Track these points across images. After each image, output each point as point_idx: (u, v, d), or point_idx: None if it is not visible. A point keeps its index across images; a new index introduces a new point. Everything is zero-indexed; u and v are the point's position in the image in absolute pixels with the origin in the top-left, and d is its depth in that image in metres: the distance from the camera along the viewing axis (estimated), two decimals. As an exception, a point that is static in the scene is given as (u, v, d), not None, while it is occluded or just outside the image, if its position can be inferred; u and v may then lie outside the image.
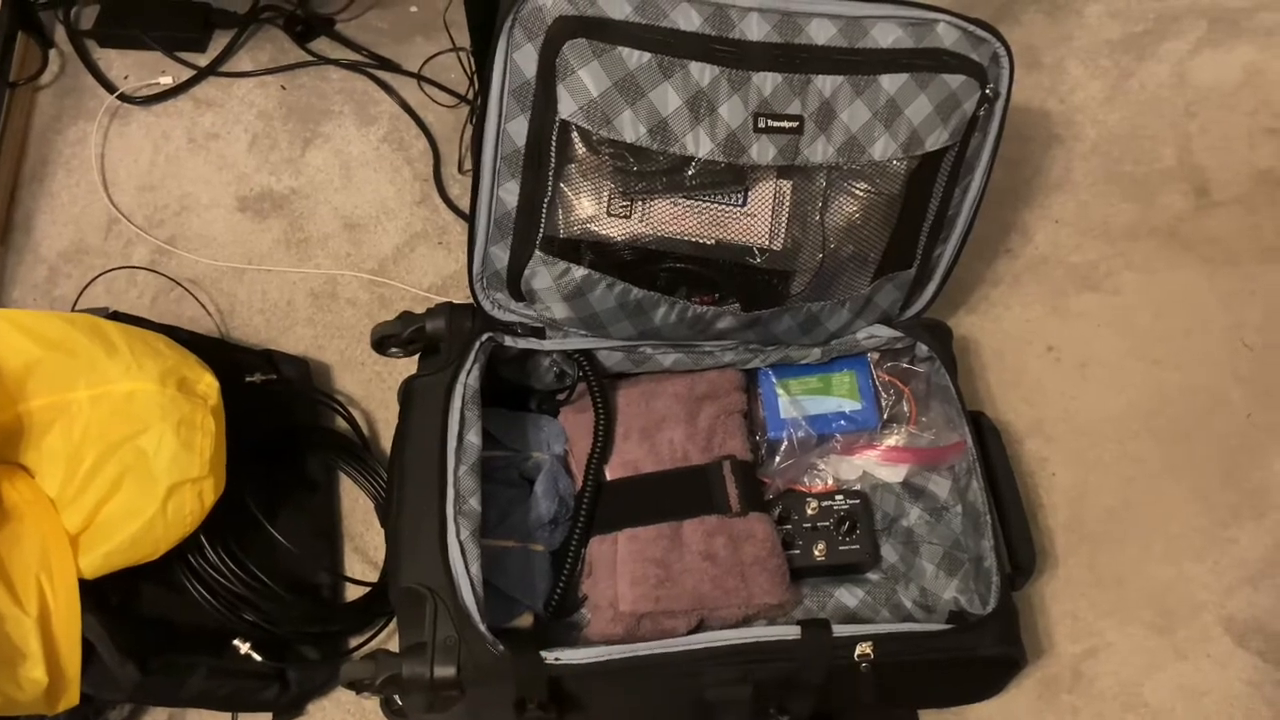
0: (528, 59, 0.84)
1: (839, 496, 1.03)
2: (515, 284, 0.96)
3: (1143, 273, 1.25)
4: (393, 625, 1.03)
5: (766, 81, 0.86)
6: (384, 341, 1.02)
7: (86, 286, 1.17)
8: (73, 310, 1.01)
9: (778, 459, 1.05)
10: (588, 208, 0.90)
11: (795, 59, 0.86)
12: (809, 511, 1.03)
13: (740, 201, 0.92)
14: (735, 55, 0.85)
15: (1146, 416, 1.18)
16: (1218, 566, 1.10)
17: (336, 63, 1.34)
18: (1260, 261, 1.26)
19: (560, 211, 0.91)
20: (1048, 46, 1.39)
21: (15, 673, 0.80)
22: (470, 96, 1.32)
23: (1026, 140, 1.33)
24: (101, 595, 0.86)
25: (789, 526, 1.02)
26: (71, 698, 0.83)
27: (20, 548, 0.83)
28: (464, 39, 1.30)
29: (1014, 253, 1.26)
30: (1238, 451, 1.16)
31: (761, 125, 0.87)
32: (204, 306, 1.19)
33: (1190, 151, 1.32)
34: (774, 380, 1.07)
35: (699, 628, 0.95)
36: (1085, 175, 1.31)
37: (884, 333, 1.06)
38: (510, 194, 0.91)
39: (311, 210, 1.26)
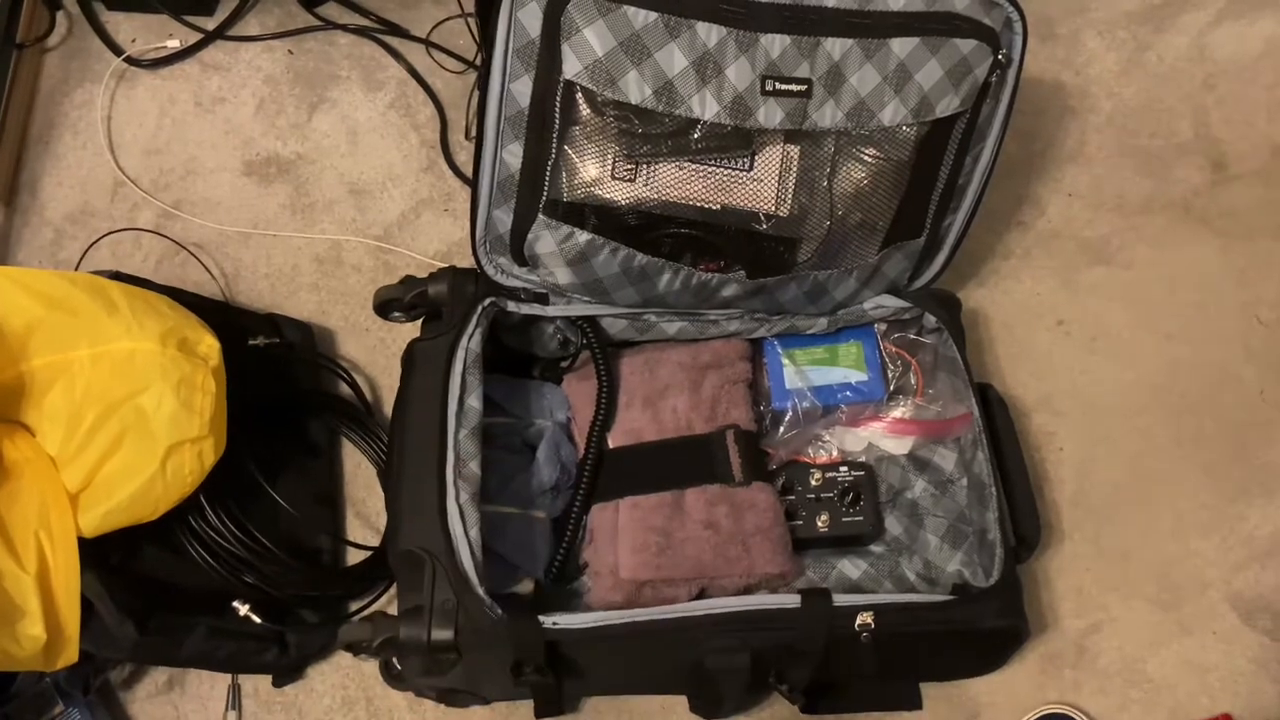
0: (532, 17, 0.83)
1: (843, 468, 1.03)
2: (518, 248, 0.95)
3: (1156, 247, 1.24)
4: (393, 590, 1.03)
5: (775, 43, 0.85)
6: (387, 305, 1.01)
7: (89, 248, 1.16)
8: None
9: (782, 429, 1.04)
10: (592, 170, 0.89)
11: (804, 20, 0.85)
12: (813, 482, 1.02)
13: (747, 166, 0.91)
14: (743, 15, 0.83)
15: (1156, 392, 1.16)
16: (1225, 543, 1.09)
17: (344, 28, 1.33)
18: (1276, 236, 1.24)
19: (564, 174, 0.90)
20: (1063, 17, 1.37)
21: (14, 629, 0.80)
22: (478, 62, 1.31)
23: (1040, 112, 1.31)
24: (101, 554, 0.86)
25: (792, 497, 1.01)
26: (70, 655, 0.83)
27: (20, 505, 0.83)
28: (472, 4, 1.29)
29: (1026, 225, 1.25)
30: (1248, 428, 1.14)
31: (769, 88, 0.86)
32: (208, 270, 1.18)
33: (1208, 125, 1.30)
34: (779, 350, 1.06)
35: (700, 596, 0.95)
36: (1100, 148, 1.29)
37: (892, 303, 1.05)
38: (514, 156, 0.89)
39: (317, 175, 1.25)
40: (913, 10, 0.87)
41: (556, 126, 0.87)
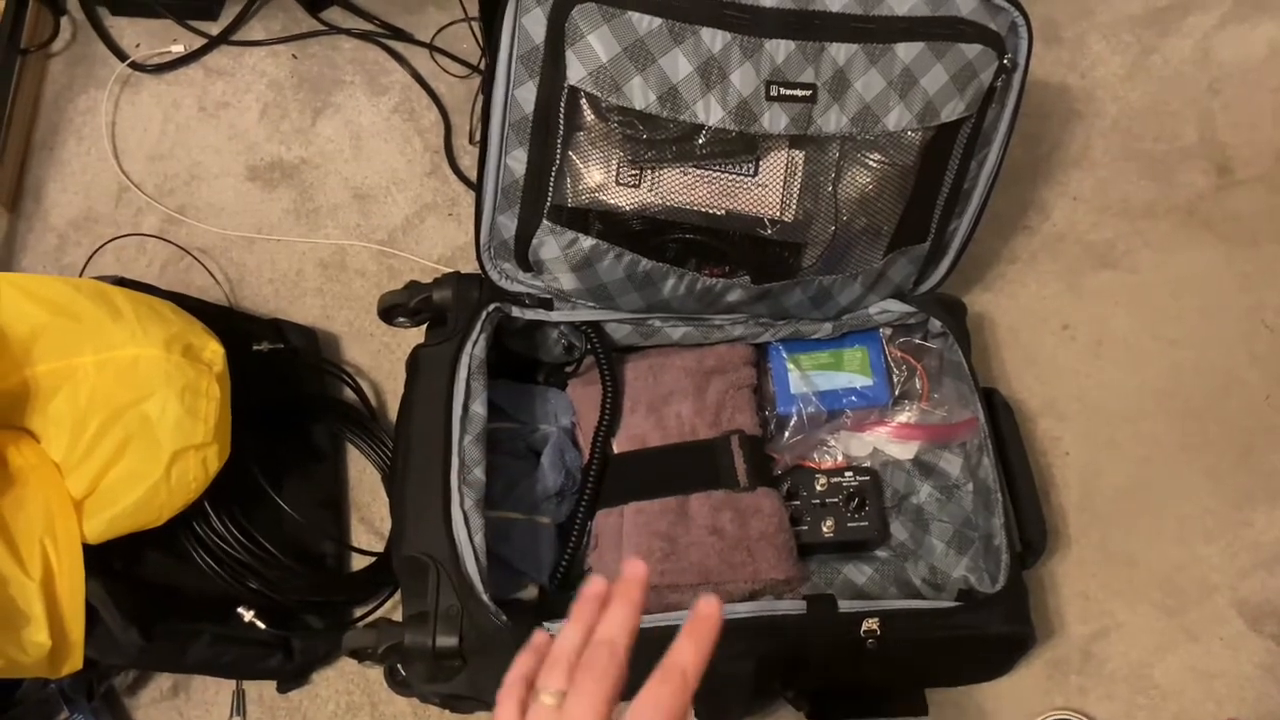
0: (536, 23, 0.83)
1: (849, 473, 1.03)
2: (523, 254, 0.95)
3: (1161, 251, 1.23)
4: (397, 596, 1.03)
5: (779, 49, 0.85)
6: (391, 311, 1.01)
7: (94, 253, 1.16)
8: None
9: (787, 434, 1.04)
10: (596, 176, 0.89)
11: (809, 26, 0.85)
12: (818, 488, 1.02)
13: (751, 171, 0.91)
14: (748, 21, 0.83)
15: (1162, 397, 1.16)
16: (1231, 549, 1.09)
17: (348, 32, 1.33)
18: (1282, 241, 1.24)
19: (569, 180, 0.89)
20: (1068, 21, 1.37)
21: (19, 636, 0.80)
22: (482, 66, 1.31)
23: (1046, 116, 1.31)
24: (106, 560, 0.86)
25: (797, 502, 1.01)
26: (75, 662, 0.83)
27: (25, 512, 0.83)
28: (476, 9, 1.29)
29: (1031, 229, 1.25)
30: (1254, 433, 1.14)
31: (774, 93, 0.85)
32: (213, 275, 1.18)
33: (1213, 129, 1.30)
34: (784, 355, 1.06)
35: (705, 602, 0.95)
36: (1105, 152, 1.29)
37: (897, 308, 1.04)
38: (518, 162, 0.89)
39: (321, 180, 1.25)
40: (917, 15, 0.87)
41: (561, 132, 0.87)
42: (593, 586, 0.60)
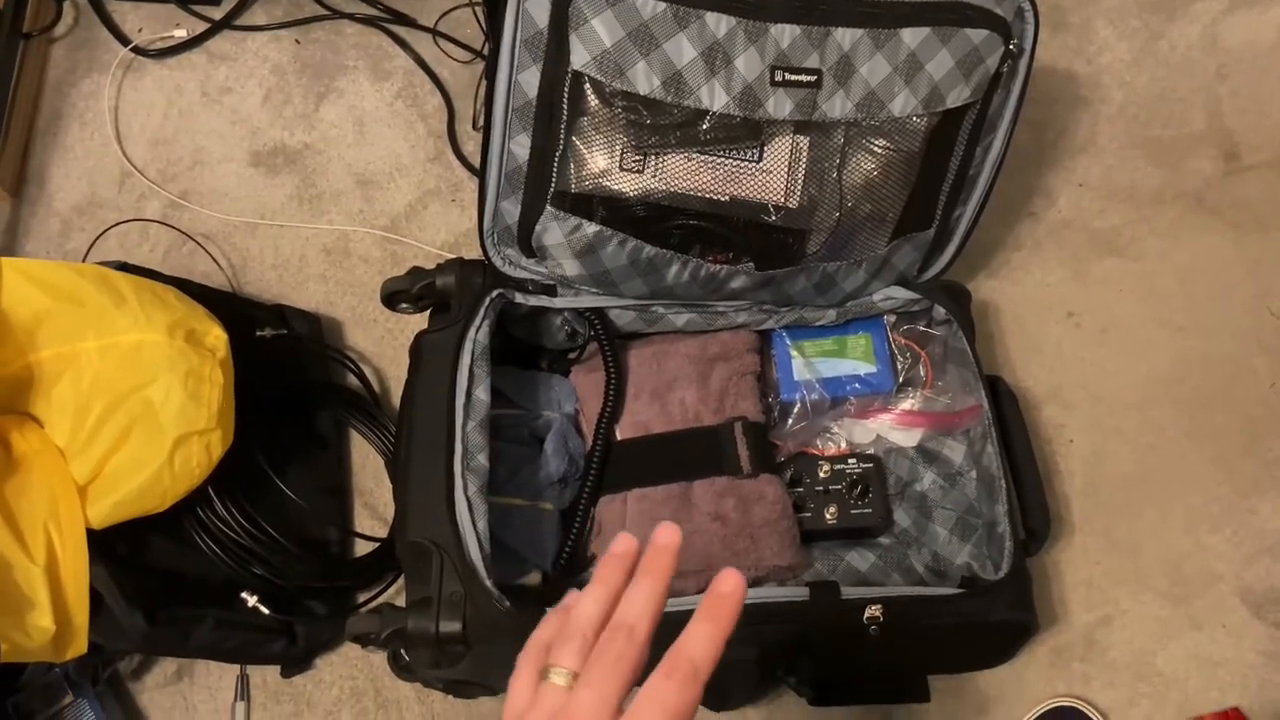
0: (540, 7, 0.82)
1: (852, 460, 1.02)
2: (526, 240, 0.94)
3: (1168, 238, 1.23)
4: (401, 582, 1.03)
5: (784, 33, 0.84)
6: (394, 297, 1.01)
7: (97, 239, 1.16)
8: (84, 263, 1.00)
9: (790, 421, 1.04)
10: (600, 162, 0.89)
11: (814, 10, 0.84)
12: (821, 474, 1.02)
13: (756, 157, 0.91)
14: (752, 6, 0.83)
15: (1168, 384, 1.16)
16: (1236, 537, 1.09)
17: (351, 17, 1.32)
18: (1289, 228, 1.23)
19: (572, 165, 0.89)
20: (1075, 7, 1.36)
21: (24, 621, 0.80)
22: (485, 51, 1.30)
23: (1052, 102, 1.30)
24: (109, 545, 0.86)
25: (801, 489, 1.01)
26: (79, 646, 0.83)
27: (29, 497, 0.83)
28: (479, -7, 1.28)
29: (1036, 216, 1.24)
30: (1260, 421, 1.14)
31: (778, 79, 0.85)
32: (216, 261, 1.18)
33: (1220, 115, 1.29)
34: (788, 342, 1.06)
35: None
36: (1111, 138, 1.29)
37: (901, 294, 1.04)
38: (521, 147, 0.89)
39: (324, 166, 1.25)
40: (923, 0, 0.87)
41: (564, 118, 0.86)
42: (621, 544, 0.54)
